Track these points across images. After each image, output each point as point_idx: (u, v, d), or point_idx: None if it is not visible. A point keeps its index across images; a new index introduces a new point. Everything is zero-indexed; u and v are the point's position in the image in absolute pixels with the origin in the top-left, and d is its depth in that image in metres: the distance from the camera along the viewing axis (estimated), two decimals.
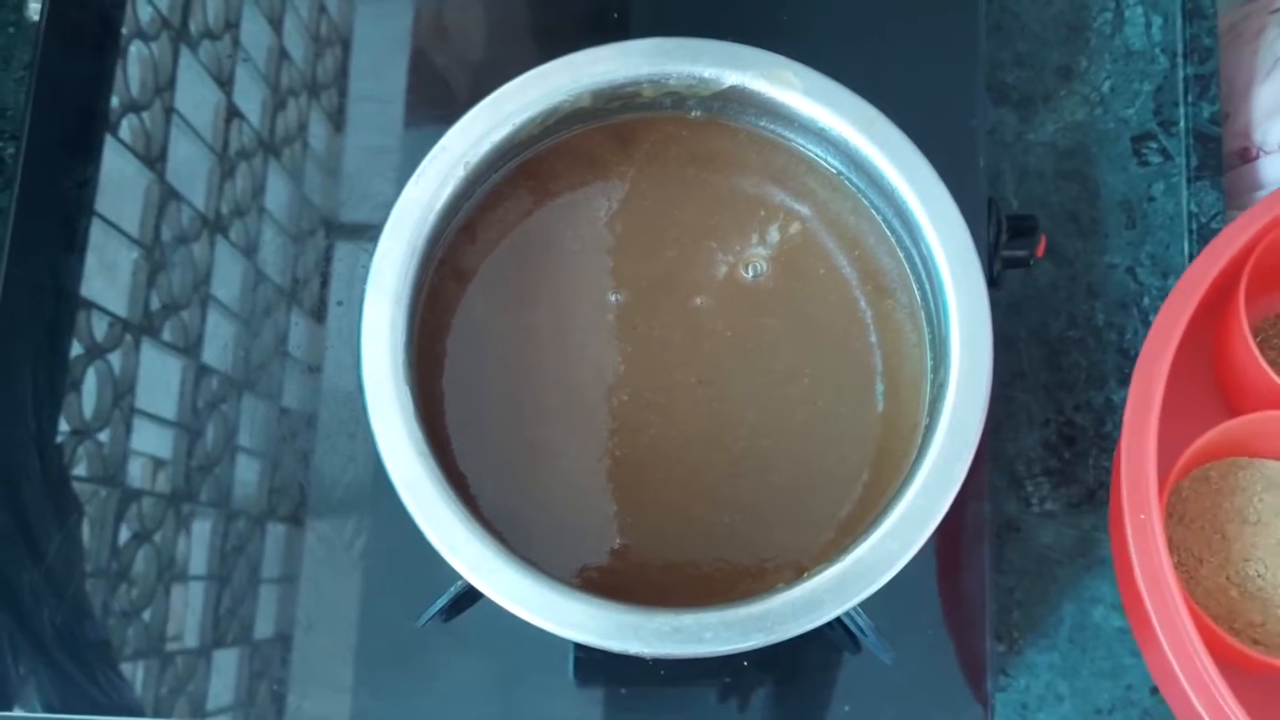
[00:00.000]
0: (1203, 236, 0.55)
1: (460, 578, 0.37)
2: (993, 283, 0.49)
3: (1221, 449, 0.48)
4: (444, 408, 0.42)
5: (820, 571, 0.37)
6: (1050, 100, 0.57)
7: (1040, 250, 0.50)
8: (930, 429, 0.39)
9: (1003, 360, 0.53)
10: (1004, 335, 0.54)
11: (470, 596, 0.42)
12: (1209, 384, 0.51)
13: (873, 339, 0.43)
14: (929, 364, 0.42)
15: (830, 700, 0.47)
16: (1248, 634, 0.46)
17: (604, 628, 0.36)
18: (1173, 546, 0.47)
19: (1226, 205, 0.56)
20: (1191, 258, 0.55)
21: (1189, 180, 0.56)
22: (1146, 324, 0.54)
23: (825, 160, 0.44)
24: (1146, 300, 0.55)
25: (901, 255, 0.43)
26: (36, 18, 0.53)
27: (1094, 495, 0.53)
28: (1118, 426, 0.53)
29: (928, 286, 0.42)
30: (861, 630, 0.41)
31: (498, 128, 0.41)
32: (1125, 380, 0.54)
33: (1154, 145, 0.56)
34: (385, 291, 0.39)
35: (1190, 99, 0.56)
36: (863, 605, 0.38)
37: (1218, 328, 0.50)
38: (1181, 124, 0.56)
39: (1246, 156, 0.57)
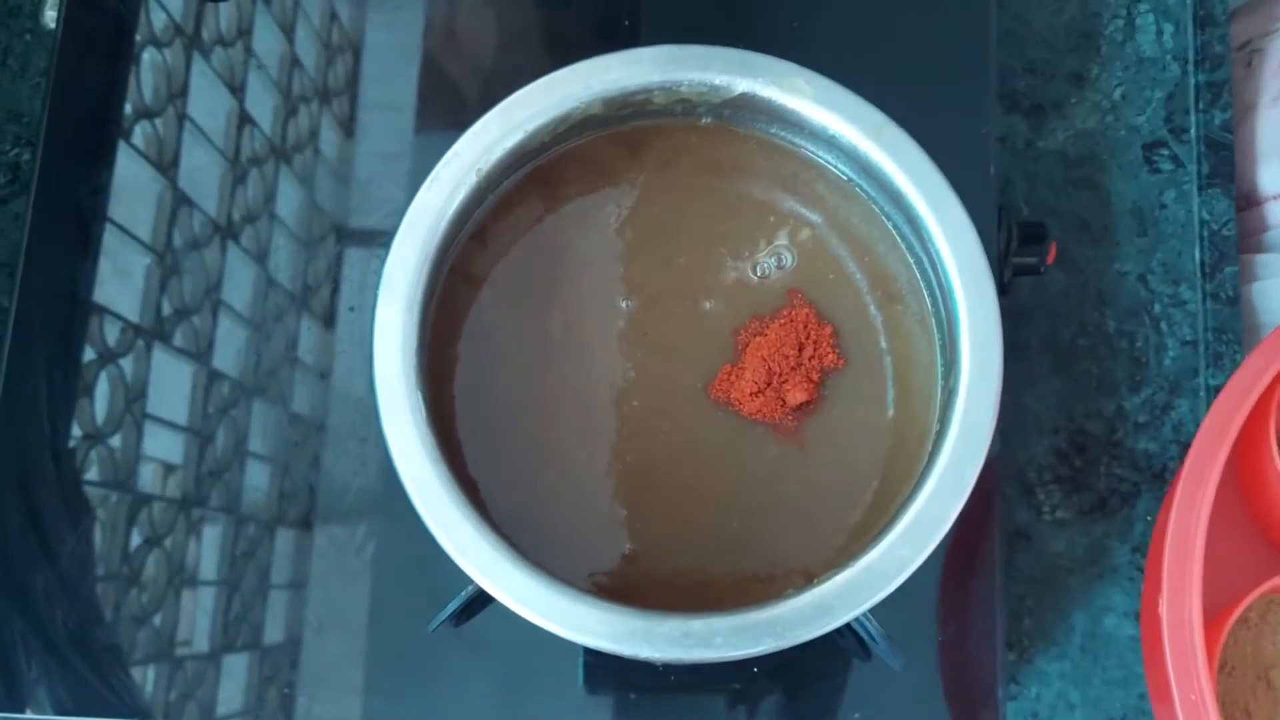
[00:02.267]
0: (1214, 244, 0.55)
1: (471, 581, 0.37)
2: (1003, 290, 0.49)
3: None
4: (455, 412, 0.42)
5: (830, 577, 0.37)
6: (1061, 108, 0.57)
7: (1051, 257, 0.50)
8: (940, 435, 0.39)
9: (1013, 368, 0.52)
10: (1014, 342, 0.53)
11: (481, 601, 0.42)
12: (1240, 512, 0.48)
13: (883, 345, 0.43)
14: (939, 370, 0.42)
15: (840, 707, 0.47)
16: None
17: (614, 632, 0.36)
18: (1221, 702, 0.45)
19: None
20: (1203, 264, 0.55)
21: (1200, 187, 0.56)
22: (1158, 331, 0.54)
23: (836, 167, 0.44)
24: (1157, 308, 0.54)
25: (912, 262, 0.43)
26: (52, 25, 0.53)
27: (1105, 503, 0.52)
28: (1129, 434, 0.53)
29: (938, 293, 0.41)
30: (872, 637, 0.41)
31: (509, 134, 0.41)
32: (1136, 388, 0.54)
33: (1165, 152, 0.56)
34: (397, 297, 0.39)
35: (1202, 106, 0.56)
36: (873, 612, 0.38)
37: (1242, 463, 0.47)
38: (1193, 131, 0.56)
39: (1250, 200, 0.56)
